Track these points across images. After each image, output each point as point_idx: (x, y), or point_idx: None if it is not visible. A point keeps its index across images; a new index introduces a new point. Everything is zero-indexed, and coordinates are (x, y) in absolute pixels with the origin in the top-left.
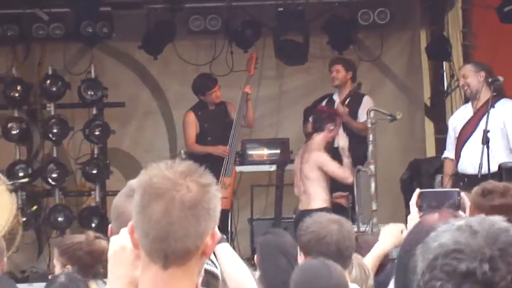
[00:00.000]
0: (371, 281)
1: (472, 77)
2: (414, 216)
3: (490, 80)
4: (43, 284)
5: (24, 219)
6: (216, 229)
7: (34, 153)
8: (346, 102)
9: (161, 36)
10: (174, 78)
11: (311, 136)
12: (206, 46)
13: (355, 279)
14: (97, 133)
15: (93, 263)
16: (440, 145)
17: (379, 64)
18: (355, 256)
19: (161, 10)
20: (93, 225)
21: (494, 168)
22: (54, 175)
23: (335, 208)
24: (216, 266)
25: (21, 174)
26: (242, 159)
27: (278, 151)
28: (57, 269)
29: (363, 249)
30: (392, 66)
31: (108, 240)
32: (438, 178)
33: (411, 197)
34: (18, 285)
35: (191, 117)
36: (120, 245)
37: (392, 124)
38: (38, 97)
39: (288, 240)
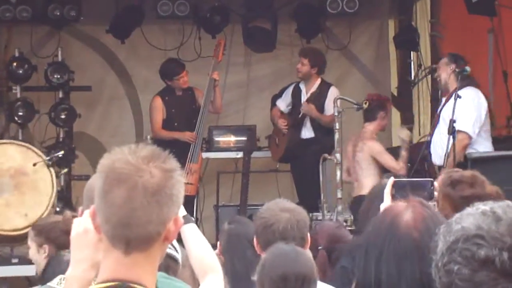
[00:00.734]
0: None
1: (443, 69)
2: (387, 205)
3: (457, 70)
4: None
5: None
6: (180, 214)
7: None
8: (312, 99)
9: (129, 21)
10: (142, 63)
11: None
12: (174, 31)
13: None
14: (63, 116)
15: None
16: None
17: (347, 53)
18: None
19: None
20: (58, 209)
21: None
22: None
23: None
24: (177, 250)
25: None
26: (209, 145)
27: (245, 138)
28: (32, 250)
29: (319, 235)
30: (360, 55)
31: None
32: None
33: None
34: None
35: (158, 102)
36: (83, 228)
37: (358, 113)
38: (4, 80)
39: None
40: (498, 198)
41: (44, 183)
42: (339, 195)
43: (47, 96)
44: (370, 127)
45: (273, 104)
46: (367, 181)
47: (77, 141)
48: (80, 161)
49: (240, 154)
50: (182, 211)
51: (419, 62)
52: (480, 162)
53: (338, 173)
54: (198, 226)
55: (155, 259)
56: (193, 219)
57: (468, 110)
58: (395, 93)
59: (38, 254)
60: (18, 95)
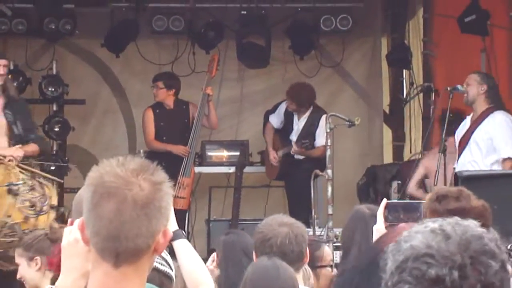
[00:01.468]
0: (311, 281)
1: (473, 86)
2: (380, 227)
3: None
4: None
5: None
6: (170, 226)
7: None
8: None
9: (124, 35)
10: (136, 77)
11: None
12: (168, 46)
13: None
14: (56, 129)
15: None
16: (397, 152)
17: (340, 70)
18: None
19: (124, 9)
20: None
21: None
22: None
23: None
24: (171, 268)
25: None
26: (201, 160)
27: (238, 153)
28: (23, 267)
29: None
30: (353, 72)
31: None
32: (394, 184)
33: (366, 202)
34: None
35: (150, 114)
36: (74, 237)
37: (350, 130)
38: None
39: (250, 241)
40: (484, 211)
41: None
42: (330, 211)
43: (41, 109)
44: (452, 140)
45: (266, 119)
46: None
47: (71, 154)
48: (73, 174)
49: (232, 169)
50: (174, 226)
51: (411, 80)
52: (470, 181)
53: (329, 189)
54: (190, 240)
55: (144, 271)
56: (184, 234)
57: (508, 135)
58: (387, 111)
59: (29, 269)
60: None
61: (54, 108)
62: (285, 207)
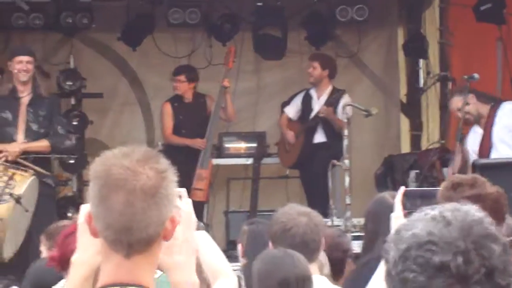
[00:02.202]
0: (326, 270)
1: (472, 104)
2: (398, 214)
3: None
4: None
5: None
6: (177, 212)
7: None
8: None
9: (141, 28)
10: (153, 70)
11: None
12: (185, 39)
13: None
14: (75, 123)
15: None
16: (415, 141)
17: (356, 60)
18: None
19: (141, 2)
20: (69, 214)
21: None
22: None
23: None
24: None
25: None
26: (219, 152)
27: (255, 144)
28: (43, 254)
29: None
30: (369, 62)
31: None
32: (412, 174)
33: (384, 191)
34: None
35: (168, 108)
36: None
37: (367, 120)
38: None
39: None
40: (499, 197)
41: None
42: (348, 201)
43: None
44: None
45: (282, 111)
46: None
47: (89, 147)
48: None
49: (250, 161)
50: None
51: (428, 70)
52: (486, 169)
53: (347, 179)
54: (208, 232)
55: (154, 258)
56: (203, 225)
57: None
58: (404, 100)
59: None
60: None
61: (72, 102)
62: (303, 197)
